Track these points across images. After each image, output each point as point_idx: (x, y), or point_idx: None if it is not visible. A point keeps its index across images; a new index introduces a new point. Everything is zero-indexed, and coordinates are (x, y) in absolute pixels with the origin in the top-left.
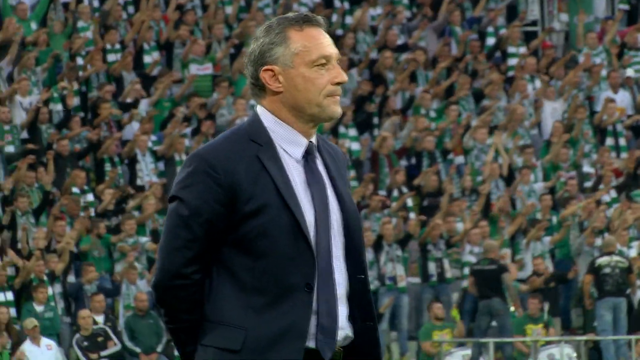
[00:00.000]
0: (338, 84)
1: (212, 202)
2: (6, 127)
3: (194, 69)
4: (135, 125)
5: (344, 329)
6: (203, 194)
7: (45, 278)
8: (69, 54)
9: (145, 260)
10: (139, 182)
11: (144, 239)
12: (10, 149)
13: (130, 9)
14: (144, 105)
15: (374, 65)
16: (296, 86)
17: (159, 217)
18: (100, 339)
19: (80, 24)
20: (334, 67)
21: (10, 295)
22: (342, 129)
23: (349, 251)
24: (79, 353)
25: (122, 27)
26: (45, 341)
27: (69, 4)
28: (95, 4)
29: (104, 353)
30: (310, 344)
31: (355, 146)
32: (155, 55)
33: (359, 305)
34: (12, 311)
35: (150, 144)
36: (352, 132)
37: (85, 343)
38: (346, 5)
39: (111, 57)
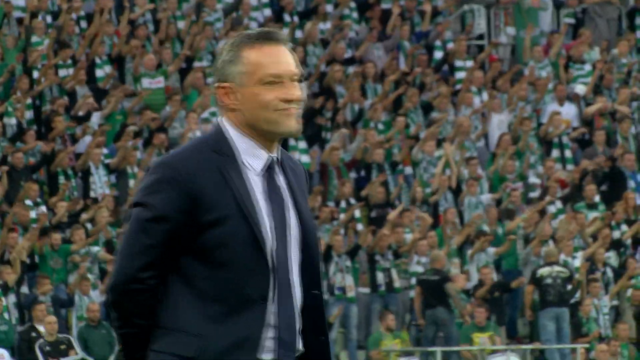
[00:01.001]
0: (288, 101)
1: (175, 210)
2: None
3: (146, 83)
4: (88, 139)
5: (298, 339)
6: (167, 201)
7: None
8: (23, 68)
9: (98, 270)
10: (92, 194)
11: (96, 248)
12: None
13: (83, 23)
14: (96, 119)
15: (324, 78)
16: (248, 103)
17: (112, 229)
18: (63, 346)
19: (34, 38)
20: (285, 85)
21: None
22: (292, 142)
23: (305, 266)
24: (40, 357)
25: (75, 41)
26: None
27: (23, 18)
28: (49, 19)
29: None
30: (267, 356)
31: (305, 158)
32: (108, 69)
33: (312, 319)
34: None
35: (102, 157)
36: (302, 144)
37: (48, 348)
38: (296, 19)
39: (63, 72)
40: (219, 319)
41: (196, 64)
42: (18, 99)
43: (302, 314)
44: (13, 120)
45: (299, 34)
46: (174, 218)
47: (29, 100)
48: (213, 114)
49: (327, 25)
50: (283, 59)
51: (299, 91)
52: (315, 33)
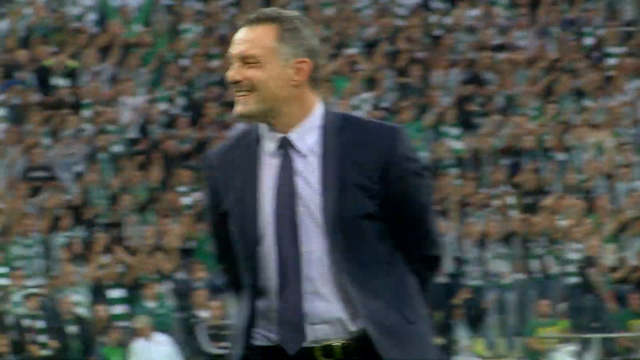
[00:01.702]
0: (231, 83)
1: (208, 206)
2: (112, 127)
3: None
4: (240, 126)
5: (324, 324)
6: (206, 196)
7: (154, 275)
8: (173, 55)
9: None
10: None
11: None
12: (116, 148)
13: (233, 10)
14: None
15: (473, 65)
16: None
17: None
18: (226, 332)
19: (183, 25)
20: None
21: (120, 293)
22: (444, 128)
23: (342, 247)
24: (205, 340)
25: (225, 28)
26: (157, 337)
27: (173, 6)
28: (198, 6)
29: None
30: (262, 343)
31: (457, 145)
32: None
33: (373, 298)
34: (124, 308)
35: None
36: (455, 131)
37: (213, 332)
38: (444, 6)
39: (213, 60)
40: (238, 312)
41: (345, 50)
42: (169, 87)
43: (354, 302)
44: (165, 107)
45: (446, 20)
46: (210, 213)
47: (180, 88)
48: (363, 101)
49: (476, 12)
50: (238, 39)
51: (231, 72)
52: (463, 19)
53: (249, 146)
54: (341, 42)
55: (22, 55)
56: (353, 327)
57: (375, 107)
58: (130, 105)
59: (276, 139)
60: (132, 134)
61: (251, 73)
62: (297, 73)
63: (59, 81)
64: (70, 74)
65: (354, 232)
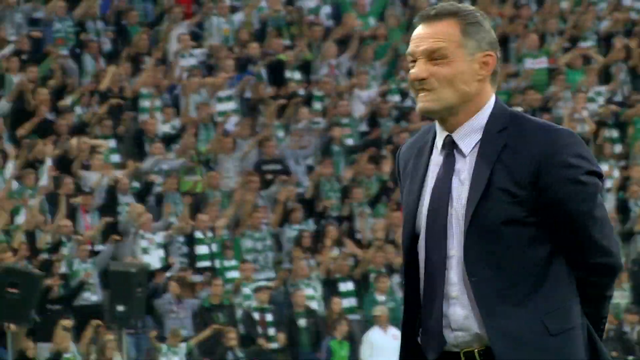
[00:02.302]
0: (415, 80)
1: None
2: (346, 120)
3: (529, 63)
4: None
5: (463, 330)
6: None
7: (383, 269)
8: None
9: None
10: None
11: None
12: (349, 141)
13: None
14: None
15: None
16: None
17: None
18: None
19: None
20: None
21: (350, 286)
22: None
23: (481, 252)
24: None
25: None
26: (392, 330)
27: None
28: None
29: None
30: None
31: None
32: None
33: (498, 304)
34: (353, 301)
35: None
36: None
37: None
38: None
39: None
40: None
41: (580, 44)
42: (402, 78)
43: (491, 309)
44: (397, 98)
45: None
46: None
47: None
48: (598, 94)
49: None
50: (416, 36)
51: (416, 70)
52: None
53: (426, 142)
54: (576, 35)
55: (255, 48)
56: (486, 335)
57: (609, 101)
58: (363, 98)
59: (443, 137)
60: (364, 127)
61: (437, 69)
62: (482, 67)
63: (293, 74)
64: (304, 66)
65: (493, 238)
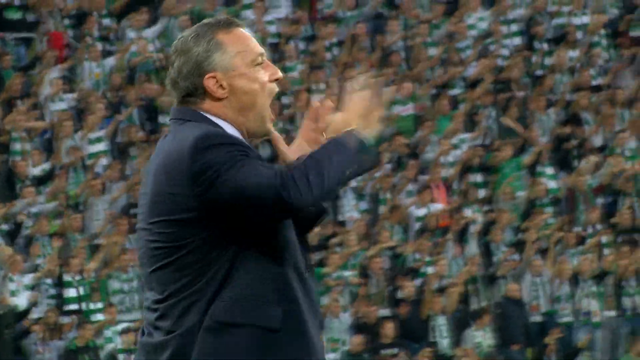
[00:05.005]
0: (277, 80)
1: None
2: None
3: (396, 109)
4: None
5: None
6: None
7: None
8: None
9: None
10: (339, 217)
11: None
12: None
13: (335, 50)
14: None
15: (570, 106)
16: (242, 88)
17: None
18: None
19: (287, 63)
20: (268, 64)
21: None
22: (539, 168)
23: None
24: None
25: (328, 67)
26: None
27: (278, 44)
28: (302, 46)
29: None
30: None
31: (552, 184)
32: None
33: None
34: None
35: (353, 182)
36: (549, 170)
37: None
38: (546, 46)
39: (316, 97)
40: None
41: (447, 91)
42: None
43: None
44: None
45: (548, 61)
46: None
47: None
48: (462, 141)
49: (576, 53)
50: (255, 39)
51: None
52: (564, 60)
53: None
54: (444, 82)
55: (128, 90)
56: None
57: (474, 146)
58: None
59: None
60: None
61: None
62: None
63: (167, 119)
64: None
65: None
